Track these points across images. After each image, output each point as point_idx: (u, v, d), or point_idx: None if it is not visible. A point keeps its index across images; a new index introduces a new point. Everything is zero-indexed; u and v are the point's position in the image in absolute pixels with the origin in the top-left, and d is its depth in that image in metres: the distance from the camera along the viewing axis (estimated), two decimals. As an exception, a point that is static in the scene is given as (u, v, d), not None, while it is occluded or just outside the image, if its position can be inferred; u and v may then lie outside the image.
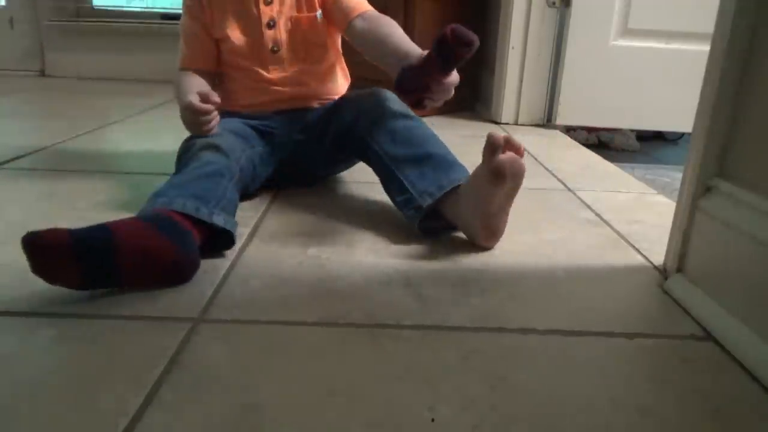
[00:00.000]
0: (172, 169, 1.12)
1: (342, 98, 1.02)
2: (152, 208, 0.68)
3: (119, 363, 0.51)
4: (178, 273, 0.65)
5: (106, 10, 2.59)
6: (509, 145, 0.74)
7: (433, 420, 0.45)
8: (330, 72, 1.02)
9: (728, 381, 0.53)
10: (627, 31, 1.66)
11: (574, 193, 1.08)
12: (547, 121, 1.78)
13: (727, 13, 0.63)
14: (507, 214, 0.79)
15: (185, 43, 1.01)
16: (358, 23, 0.93)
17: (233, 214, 0.76)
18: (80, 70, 2.51)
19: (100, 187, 1.01)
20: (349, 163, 1.09)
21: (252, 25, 0.96)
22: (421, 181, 0.81)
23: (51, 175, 1.09)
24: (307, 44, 0.98)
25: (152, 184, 1.03)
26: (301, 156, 1.00)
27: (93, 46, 2.51)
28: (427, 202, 0.79)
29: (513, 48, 1.74)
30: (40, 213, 0.88)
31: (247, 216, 0.86)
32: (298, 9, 0.97)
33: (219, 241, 0.73)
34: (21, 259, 0.71)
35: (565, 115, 1.74)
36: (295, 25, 0.97)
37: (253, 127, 0.96)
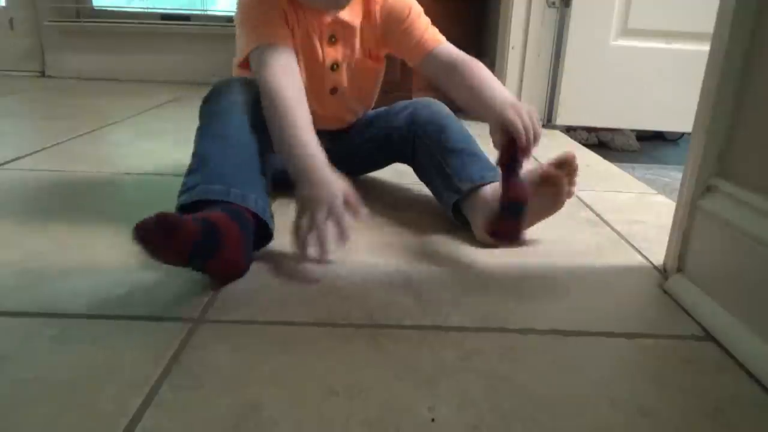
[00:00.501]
0: (171, 169, 1.13)
1: (392, 106, 1.02)
2: (232, 201, 0.68)
3: (119, 363, 0.51)
4: (237, 277, 0.68)
5: (107, 10, 2.59)
6: (570, 170, 0.78)
7: (433, 420, 0.45)
8: (374, 96, 1.02)
9: (728, 381, 0.53)
10: (627, 31, 1.66)
11: (574, 193, 1.08)
12: (547, 121, 1.78)
13: (727, 13, 0.63)
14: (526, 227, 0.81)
15: (266, 19, 0.81)
16: (434, 62, 0.89)
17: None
18: (80, 71, 2.51)
19: (100, 187, 1.01)
20: (378, 167, 1.10)
21: (314, 65, 0.88)
22: (464, 170, 0.85)
23: (51, 175, 1.09)
24: (365, 87, 0.97)
25: (152, 184, 1.04)
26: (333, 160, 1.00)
27: (93, 47, 2.51)
28: (467, 186, 0.83)
29: (513, 48, 1.74)
30: (40, 213, 0.88)
31: (247, 216, 0.86)
32: (364, 53, 0.92)
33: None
34: (21, 259, 0.71)
35: (565, 115, 1.74)
36: (359, 72, 0.92)
37: None
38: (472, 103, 0.85)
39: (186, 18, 2.53)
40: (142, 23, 2.50)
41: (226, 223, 0.64)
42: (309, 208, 0.70)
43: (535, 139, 0.75)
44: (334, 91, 0.92)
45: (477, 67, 0.88)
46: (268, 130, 0.76)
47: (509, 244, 0.79)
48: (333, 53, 0.88)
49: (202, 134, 0.77)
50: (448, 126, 0.90)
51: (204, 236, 0.60)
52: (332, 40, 0.87)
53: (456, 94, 0.88)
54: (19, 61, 2.54)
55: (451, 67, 0.87)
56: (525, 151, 0.75)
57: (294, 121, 0.75)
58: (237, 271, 0.68)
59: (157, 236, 0.57)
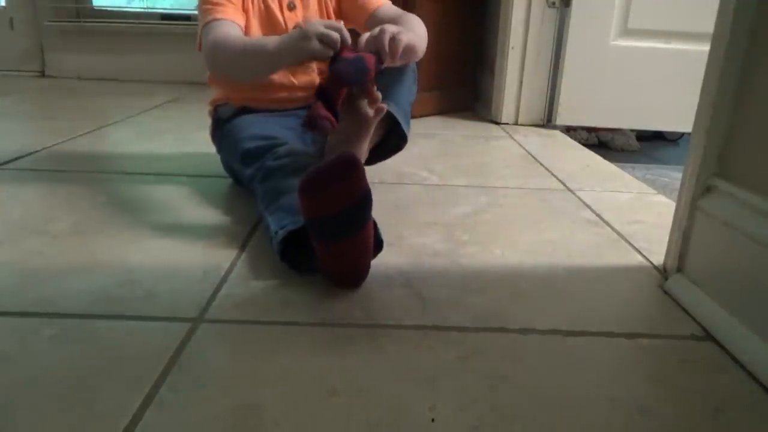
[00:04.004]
0: (171, 169, 1.13)
1: None
2: None
3: (119, 363, 0.51)
4: (363, 276, 0.68)
5: (107, 10, 2.59)
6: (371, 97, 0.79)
7: (433, 420, 0.45)
8: None
9: (728, 381, 0.53)
10: (627, 31, 1.66)
11: (574, 193, 1.08)
12: (547, 121, 1.78)
13: (727, 13, 0.63)
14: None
15: (218, 1, 0.92)
16: (375, 22, 0.94)
17: None
18: (80, 71, 2.51)
19: (100, 187, 1.01)
20: None
21: (278, 31, 0.95)
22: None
23: (51, 175, 1.09)
24: None
25: (152, 184, 1.04)
26: None
27: (93, 47, 2.51)
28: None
29: (513, 48, 1.74)
30: (40, 213, 0.88)
31: (247, 215, 0.87)
32: (322, 16, 0.99)
33: None
34: (21, 259, 0.71)
35: (565, 115, 1.74)
36: None
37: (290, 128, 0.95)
38: None
39: (186, 18, 2.53)
40: (142, 23, 2.50)
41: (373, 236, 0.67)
42: (309, 36, 0.76)
43: (389, 50, 0.77)
44: None
45: (408, 20, 0.92)
46: (232, 73, 0.88)
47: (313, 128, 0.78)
48: (294, 17, 0.96)
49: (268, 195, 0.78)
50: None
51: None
52: (291, 7, 0.96)
53: None
54: (19, 61, 2.54)
55: (389, 20, 0.92)
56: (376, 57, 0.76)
57: (242, 41, 0.86)
58: (365, 265, 0.67)
59: (339, 171, 0.61)
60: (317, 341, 0.56)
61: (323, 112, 0.74)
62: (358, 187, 0.62)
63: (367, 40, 0.77)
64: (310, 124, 0.75)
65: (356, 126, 0.81)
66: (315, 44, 0.76)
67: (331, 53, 0.77)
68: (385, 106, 0.79)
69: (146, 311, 0.60)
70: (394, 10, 0.97)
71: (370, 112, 0.80)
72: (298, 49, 0.78)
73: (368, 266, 0.67)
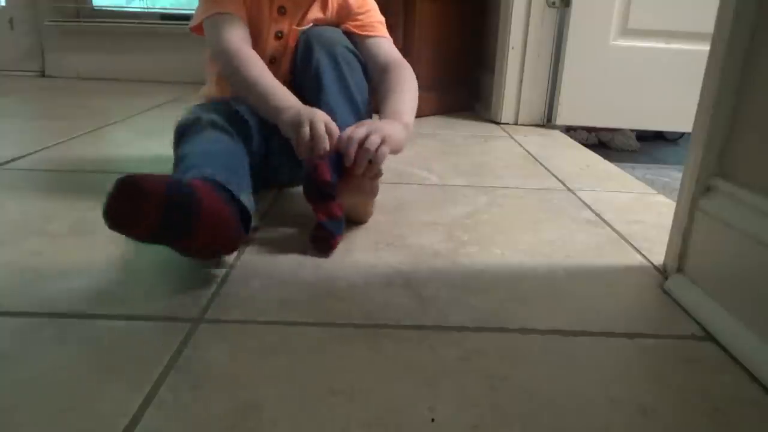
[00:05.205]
0: (170, 169, 1.12)
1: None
2: (189, 177, 0.67)
3: (119, 363, 0.51)
4: (232, 247, 0.68)
5: (106, 10, 2.59)
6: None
7: (433, 420, 0.45)
8: None
9: (728, 381, 0.53)
10: (627, 31, 1.66)
11: (574, 193, 1.08)
12: (547, 121, 1.78)
13: (727, 13, 0.63)
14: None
15: None
16: (369, 51, 0.94)
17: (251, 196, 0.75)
18: (80, 71, 2.51)
19: (100, 187, 1.01)
20: None
21: (260, 30, 0.92)
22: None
23: (51, 175, 1.09)
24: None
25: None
26: (279, 152, 0.94)
27: (93, 47, 2.51)
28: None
29: (513, 48, 1.74)
30: (39, 213, 0.88)
31: (247, 216, 0.86)
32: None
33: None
34: (20, 259, 0.71)
35: (565, 115, 1.74)
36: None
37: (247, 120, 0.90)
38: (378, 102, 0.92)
39: (186, 18, 2.53)
40: (142, 23, 2.50)
41: (204, 184, 0.64)
42: (300, 123, 0.75)
43: (364, 160, 0.75)
44: (273, 60, 0.94)
45: (402, 81, 0.92)
46: (233, 87, 0.86)
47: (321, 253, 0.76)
48: (280, 22, 0.93)
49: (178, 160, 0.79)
50: (338, 54, 0.90)
51: (170, 188, 0.58)
52: (281, 11, 0.92)
53: (377, 89, 0.94)
54: (19, 61, 2.54)
55: (384, 65, 0.93)
56: (351, 165, 0.75)
57: (258, 75, 0.83)
58: (229, 238, 0.66)
59: (122, 199, 0.58)
60: (317, 341, 0.56)
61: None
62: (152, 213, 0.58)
63: (346, 144, 0.74)
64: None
65: (362, 195, 0.82)
66: (303, 133, 0.74)
67: (303, 156, 0.76)
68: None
69: (146, 311, 0.60)
70: (390, 56, 0.94)
71: (368, 186, 0.80)
72: (290, 125, 0.77)
73: (231, 236, 0.66)
